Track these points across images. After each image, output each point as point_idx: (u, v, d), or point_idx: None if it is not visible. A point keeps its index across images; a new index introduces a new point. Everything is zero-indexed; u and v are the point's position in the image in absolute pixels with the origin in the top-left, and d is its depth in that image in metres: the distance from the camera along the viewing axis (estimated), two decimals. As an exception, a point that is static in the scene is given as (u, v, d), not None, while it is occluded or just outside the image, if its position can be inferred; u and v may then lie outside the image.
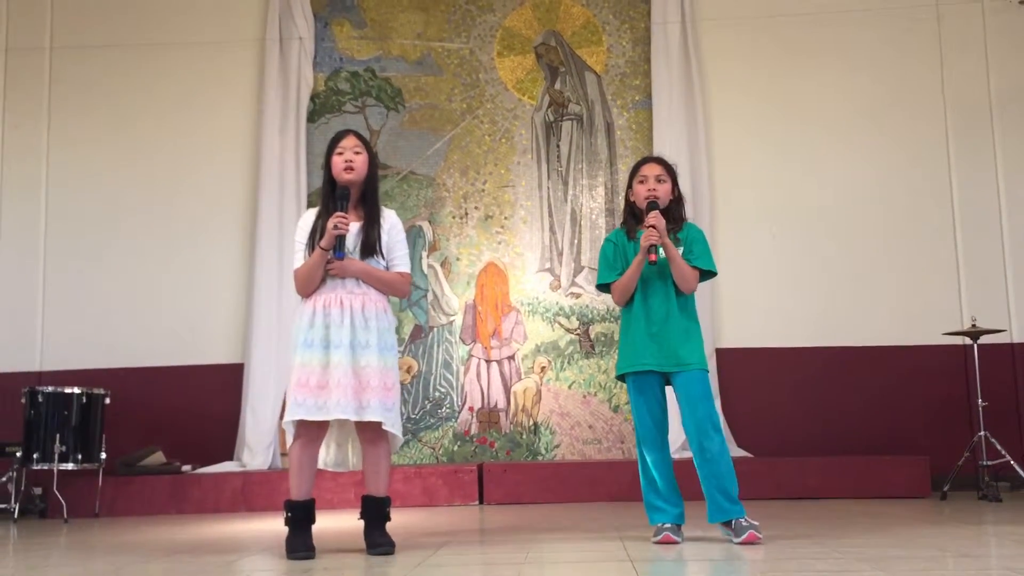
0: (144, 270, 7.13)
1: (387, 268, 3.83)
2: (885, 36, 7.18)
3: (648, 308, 3.86)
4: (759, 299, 6.94)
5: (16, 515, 5.73)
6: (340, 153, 3.82)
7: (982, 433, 5.81)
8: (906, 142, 7.08)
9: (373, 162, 3.88)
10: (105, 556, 3.91)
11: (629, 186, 4.01)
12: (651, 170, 3.95)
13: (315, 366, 3.65)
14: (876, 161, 7.07)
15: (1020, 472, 5.71)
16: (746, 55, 7.23)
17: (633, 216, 4.00)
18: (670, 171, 3.97)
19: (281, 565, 3.44)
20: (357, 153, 3.81)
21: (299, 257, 3.81)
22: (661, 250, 3.78)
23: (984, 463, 5.76)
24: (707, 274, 3.94)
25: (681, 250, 3.88)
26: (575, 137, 7.28)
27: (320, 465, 3.87)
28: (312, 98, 7.27)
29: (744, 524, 3.65)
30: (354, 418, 3.63)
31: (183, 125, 7.27)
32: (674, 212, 3.94)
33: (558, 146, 7.27)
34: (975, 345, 6.02)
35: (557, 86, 7.33)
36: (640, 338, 3.85)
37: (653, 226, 3.76)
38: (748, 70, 7.22)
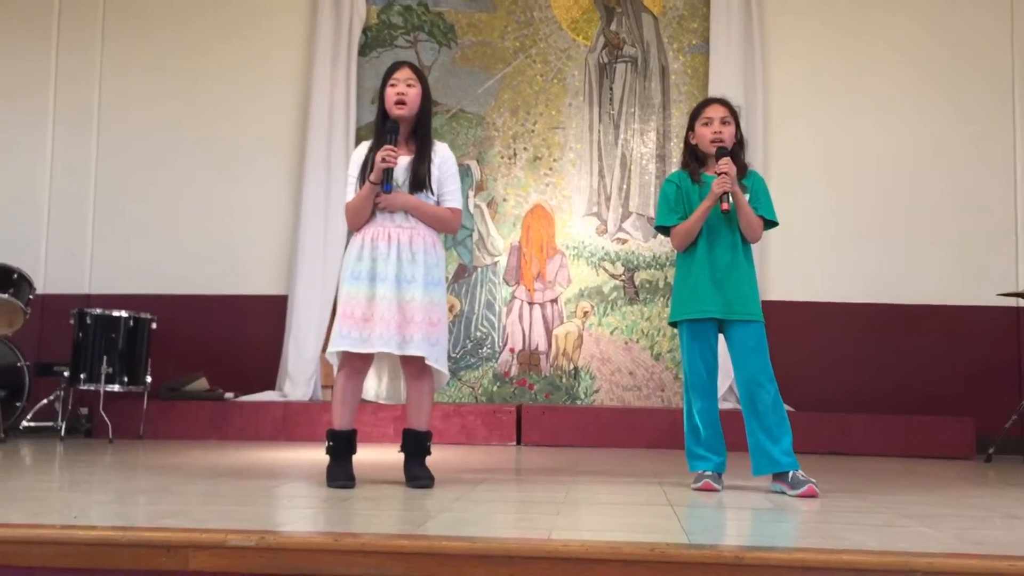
0: (192, 198, 7.15)
1: (437, 203, 3.80)
2: (955, -12, 6.95)
3: (713, 255, 3.79)
4: (808, 252, 6.81)
5: (63, 433, 5.85)
6: (393, 85, 3.78)
7: (1032, 398, 5.71)
8: (971, 101, 6.85)
9: (426, 95, 3.83)
10: (149, 476, 3.97)
11: (691, 128, 3.92)
12: (716, 111, 3.86)
13: (360, 299, 3.65)
14: (938, 118, 6.86)
15: (1069, 439, 5.61)
16: (809, 3, 7.03)
17: (696, 159, 3.92)
18: (734, 113, 3.89)
19: (321, 492, 3.46)
20: (410, 86, 3.77)
21: (350, 191, 3.80)
22: (731, 197, 3.71)
23: (1032, 428, 5.67)
24: (770, 224, 3.87)
25: (748, 197, 3.80)
26: (628, 80, 7.14)
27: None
28: (364, 31, 7.19)
29: (801, 477, 3.60)
30: (396, 352, 3.63)
31: (234, 56, 7.24)
32: (738, 157, 3.85)
33: (611, 89, 7.14)
34: (1030, 308, 5.90)
35: (613, 27, 7.18)
36: (703, 284, 3.78)
37: (726, 172, 3.68)
38: (810, 19, 7.01)
